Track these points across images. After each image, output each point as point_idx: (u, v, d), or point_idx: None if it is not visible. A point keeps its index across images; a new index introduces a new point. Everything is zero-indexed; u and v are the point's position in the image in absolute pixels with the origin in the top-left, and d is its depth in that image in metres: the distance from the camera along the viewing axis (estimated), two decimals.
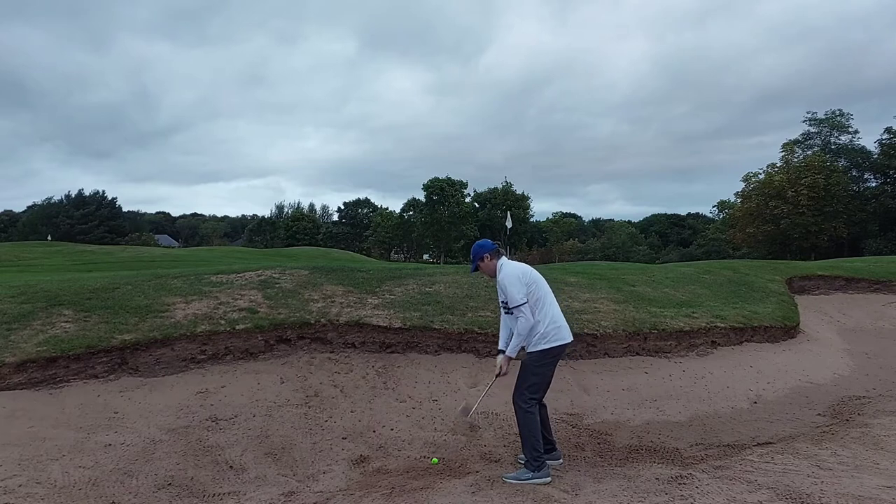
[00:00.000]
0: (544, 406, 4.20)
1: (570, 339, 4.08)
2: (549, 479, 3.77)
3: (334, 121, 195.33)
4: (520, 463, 4.08)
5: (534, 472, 3.77)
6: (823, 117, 47.91)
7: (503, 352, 4.11)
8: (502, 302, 4.13)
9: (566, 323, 4.12)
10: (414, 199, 72.31)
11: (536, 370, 3.97)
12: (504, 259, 4.17)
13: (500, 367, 4.07)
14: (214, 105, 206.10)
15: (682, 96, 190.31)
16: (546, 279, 4.24)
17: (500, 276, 4.07)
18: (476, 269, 4.21)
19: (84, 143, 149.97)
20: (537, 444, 3.84)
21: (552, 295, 4.16)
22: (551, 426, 4.29)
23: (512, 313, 3.99)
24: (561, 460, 4.16)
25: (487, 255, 4.14)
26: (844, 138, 47.92)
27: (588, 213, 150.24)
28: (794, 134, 49.37)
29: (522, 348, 4.06)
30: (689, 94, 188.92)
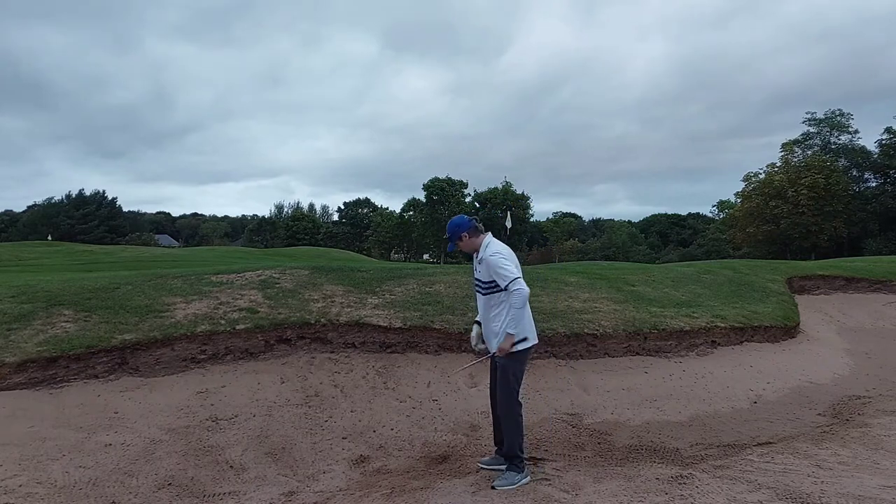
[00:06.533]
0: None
1: (537, 339, 4.02)
2: (529, 477, 3.78)
3: (347, 121, 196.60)
4: (482, 467, 4.02)
5: (519, 472, 3.77)
6: (823, 117, 47.91)
7: (479, 323, 4.07)
8: (484, 282, 3.93)
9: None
10: (414, 198, 72.44)
11: (515, 369, 3.86)
12: (490, 236, 4.03)
13: (502, 349, 3.81)
14: (230, 105, 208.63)
15: (697, 96, 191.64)
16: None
17: (487, 254, 3.88)
18: (454, 248, 4.09)
19: (99, 143, 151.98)
20: (521, 443, 3.83)
21: None
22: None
23: (502, 290, 3.78)
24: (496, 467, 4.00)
25: (466, 233, 3.98)
26: (844, 138, 47.92)
27: (594, 212, 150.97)
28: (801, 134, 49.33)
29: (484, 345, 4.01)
30: (703, 94, 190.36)
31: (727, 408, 5.73)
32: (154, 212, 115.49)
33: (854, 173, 46.87)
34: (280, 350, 5.60)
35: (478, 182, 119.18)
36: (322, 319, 5.85)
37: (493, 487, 3.64)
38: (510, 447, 3.81)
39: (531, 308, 4.16)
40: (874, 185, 46.11)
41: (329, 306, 6.18)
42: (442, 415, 5.09)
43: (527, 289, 3.71)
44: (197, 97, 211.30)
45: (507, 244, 4.09)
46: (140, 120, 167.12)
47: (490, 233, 4.08)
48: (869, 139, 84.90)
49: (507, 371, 3.84)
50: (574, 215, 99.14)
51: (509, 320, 3.75)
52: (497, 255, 3.82)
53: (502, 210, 66.01)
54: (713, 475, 3.64)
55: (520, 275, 3.74)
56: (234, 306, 5.91)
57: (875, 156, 44.94)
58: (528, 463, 3.93)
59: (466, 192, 71.59)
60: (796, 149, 47.76)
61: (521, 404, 3.89)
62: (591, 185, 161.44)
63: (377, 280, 7.27)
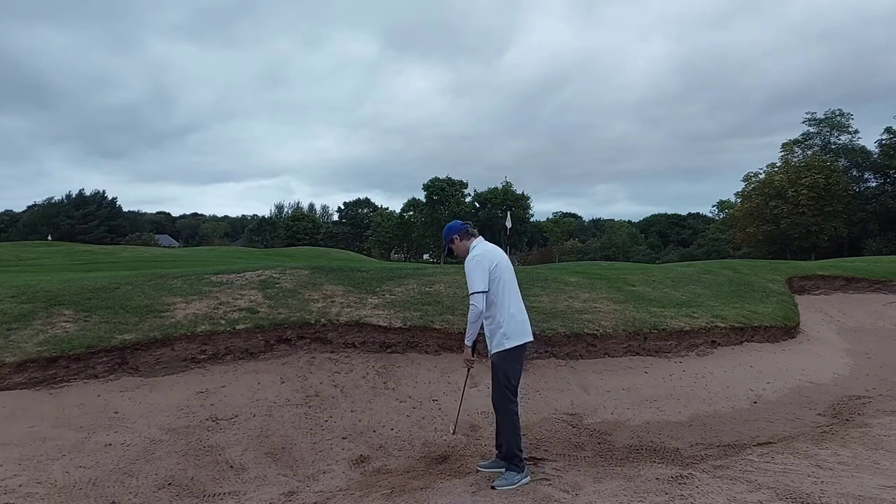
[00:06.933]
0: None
1: (531, 337, 3.97)
2: (529, 477, 3.78)
3: (347, 121, 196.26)
4: (481, 470, 4.00)
5: (519, 472, 3.76)
6: (823, 117, 47.91)
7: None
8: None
9: (527, 318, 4.01)
10: (414, 198, 72.49)
11: (507, 368, 3.84)
12: (480, 241, 4.04)
13: (465, 360, 3.99)
14: (231, 106, 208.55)
15: (697, 96, 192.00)
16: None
17: (466, 259, 3.92)
18: (449, 252, 4.14)
19: (99, 143, 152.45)
20: (519, 442, 3.83)
21: (517, 288, 4.01)
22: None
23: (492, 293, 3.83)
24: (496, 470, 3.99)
25: (457, 235, 4.04)
26: (844, 138, 47.89)
27: (594, 212, 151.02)
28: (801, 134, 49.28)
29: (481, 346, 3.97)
30: (703, 94, 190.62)
31: (727, 408, 5.73)
32: (154, 212, 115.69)
33: (854, 173, 46.84)
34: (280, 350, 5.60)
35: (478, 182, 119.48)
36: (322, 319, 5.85)
37: (493, 487, 3.64)
38: (508, 447, 3.81)
39: (529, 307, 4.17)
40: (874, 185, 46.07)
41: (329, 306, 6.18)
42: (442, 415, 5.09)
43: (480, 307, 3.74)
44: (197, 97, 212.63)
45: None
46: (140, 120, 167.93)
47: (481, 237, 4.08)
48: (869, 139, 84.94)
49: (497, 370, 3.86)
50: (574, 215, 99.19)
51: (469, 333, 3.85)
52: (472, 260, 3.87)
53: (502, 210, 65.95)
54: (713, 475, 3.64)
55: (481, 289, 3.75)
56: (234, 306, 5.91)
57: (875, 156, 44.91)
58: (527, 463, 3.93)
59: (466, 192, 71.64)
60: (796, 149, 47.74)
61: (516, 403, 3.88)
62: (591, 185, 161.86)
63: (377, 280, 7.27)
